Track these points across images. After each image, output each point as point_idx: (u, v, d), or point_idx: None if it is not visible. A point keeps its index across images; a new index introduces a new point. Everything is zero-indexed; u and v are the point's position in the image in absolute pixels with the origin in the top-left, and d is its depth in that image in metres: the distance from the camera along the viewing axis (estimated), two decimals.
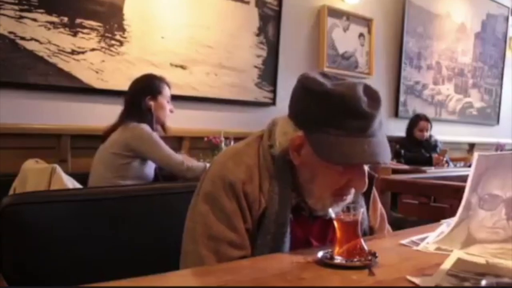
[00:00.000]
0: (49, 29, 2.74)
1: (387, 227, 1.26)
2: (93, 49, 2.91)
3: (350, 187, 1.03)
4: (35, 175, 2.11)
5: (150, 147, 2.38)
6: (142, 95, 2.46)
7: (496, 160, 0.96)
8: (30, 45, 2.69)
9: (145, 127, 2.39)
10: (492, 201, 0.96)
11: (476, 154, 0.91)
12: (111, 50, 2.98)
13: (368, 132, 0.97)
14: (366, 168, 1.03)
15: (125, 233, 1.30)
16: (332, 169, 0.99)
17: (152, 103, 2.47)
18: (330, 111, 0.97)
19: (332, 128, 0.96)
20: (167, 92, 2.55)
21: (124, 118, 2.44)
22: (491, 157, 0.95)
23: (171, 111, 2.57)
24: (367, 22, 4.51)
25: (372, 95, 1.00)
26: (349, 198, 1.05)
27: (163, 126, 2.53)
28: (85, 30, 2.87)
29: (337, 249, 0.90)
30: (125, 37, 3.03)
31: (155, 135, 2.41)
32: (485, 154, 0.93)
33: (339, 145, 0.96)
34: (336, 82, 1.01)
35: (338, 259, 0.88)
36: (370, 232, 1.18)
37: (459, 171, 3.63)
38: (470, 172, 0.93)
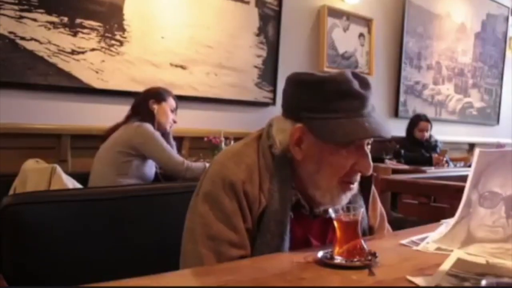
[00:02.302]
0: (49, 29, 2.74)
1: (387, 226, 1.26)
2: (93, 49, 2.91)
3: (356, 171, 1.03)
4: (35, 175, 2.11)
5: (151, 145, 2.40)
6: (147, 98, 2.54)
7: (497, 157, 0.96)
8: (30, 45, 2.69)
9: (148, 126, 2.42)
10: (492, 198, 0.95)
11: (477, 150, 0.91)
12: (111, 50, 2.98)
13: (364, 112, 1.01)
14: (368, 151, 1.04)
15: (125, 233, 1.30)
16: (336, 155, 1.00)
17: (155, 106, 2.52)
18: (325, 97, 1.00)
19: (330, 113, 0.99)
20: (171, 102, 2.61)
21: (128, 118, 2.49)
22: (492, 154, 0.95)
23: (174, 121, 2.60)
24: (367, 22, 4.51)
25: (361, 79, 1.04)
26: (356, 186, 1.06)
27: (165, 134, 2.53)
28: (85, 30, 2.87)
29: (337, 249, 0.90)
30: (125, 37, 3.03)
31: (157, 134, 2.43)
32: (487, 150, 0.93)
33: (340, 127, 0.98)
34: (324, 73, 1.06)
35: (338, 259, 0.88)
36: (370, 231, 1.18)
37: (459, 171, 3.63)
38: (471, 168, 0.93)
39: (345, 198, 1.03)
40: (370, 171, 1.04)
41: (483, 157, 0.91)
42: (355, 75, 1.03)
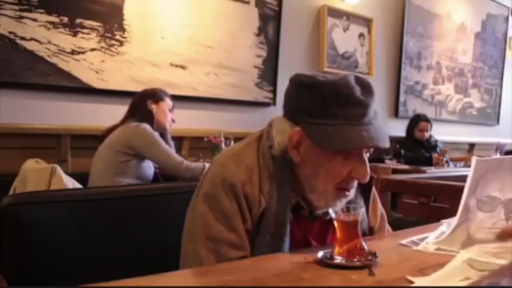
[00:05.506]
0: (49, 29, 2.74)
1: (387, 227, 1.26)
2: (93, 49, 2.91)
3: (353, 178, 1.02)
4: (35, 175, 2.11)
5: (150, 146, 2.40)
6: (145, 99, 2.55)
7: (494, 164, 0.96)
8: (30, 45, 2.69)
9: (146, 126, 2.42)
10: (491, 203, 0.96)
11: (474, 159, 0.91)
12: (111, 50, 2.98)
13: (365, 120, 0.99)
14: (366, 158, 1.03)
15: (125, 233, 1.30)
16: (333, 161, 0.99)
17: (153, 106, 2.53)
18: (324, 102, 0.98)
19: (329, 118, 0.98)
20: (169, 101, 2.62)
21: (126, 119, 2.49)
22: (489, 162, 0.96)
23: (173, 120, 2.61)
24: (367, 22, 4.51)
25: (364, 84, 1.01)
26: (352, 192, 1.05)
27: (163, 135, 2.53)
28: (85, 30, 2.87)
29: (337, 249, 0.90)
30: (125, 37, 3.03)
31: (156, 135, 2.43)
32: (483, 159, 0.93)
33: (337, 133, 0.97)
34: (326, 75, 1.03)
35: (338, 259, 0.88)
36: (370, 232, 1.18)
37: (459, 171, 3.62)
38: (468, 176, 0.93)
39: (340, 204, 1.02)
40: (367, 179, 1.03)
41: (480, 165, 0.91)
42: (358, 80, 1.01)
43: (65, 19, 2.80)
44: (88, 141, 2.78)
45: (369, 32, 4.53)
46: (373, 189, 1.18)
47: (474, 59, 5.77)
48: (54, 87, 2.79)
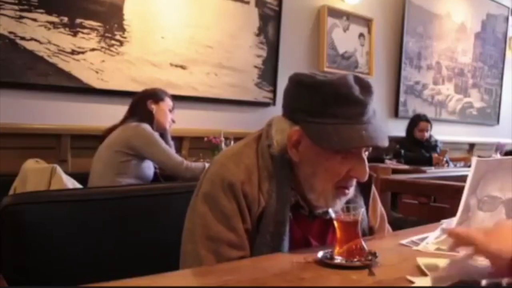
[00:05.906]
0: (49, 29, 2.74)
1: (387, 227, 1.26)
2: (93, 49, 2.91)
3: (352, 177, 1.03)
4: (35, 175, 2.11)
5: (150, 146, 2.40)
6: (145, 99, 2.55)
7: (494, 164, 0.96)
8: (30, 45, 2.69)
9: (146, 126, 2.42)
10: (492, 202, 0.95)
11: (474, 159, 0.91)
12: (111, 50, 2.98)
13: (364, 119, 0.99)
14: (365, 157, 1.03)
15: (125, 233, 1.30)
16: (332, 160, 1.00)
17: (153, 106, 2.53)
18: (323, 101, 0.99)
19: (328, 117, 0.98)
20: (169, 101, 2.62)
21: (126, 119, 2.49)
22: (490, 162, 0.95)
23: (173, 121, 2.61)
24: (367, 22, 4.51)
25: (363, 84, 1.02)
26: (351, 191, 1.05)
27: (163, 135, 2.54)
28: (85, 30, 2.87)
29: (337, 249, 0.90)
30: (125, 37, 3.03)
31: (156, 135, 2.44)
32: (484, 159, 0.93)
33: (337, 133, 0.97)
34: (326, 75, 1.04)
35: (338, 259, 0.88)
36: (370, 232, 1.18)
37: (459, 171, 3.63)
38: (469, 176, 0.93)
39: (339, 203, 1.02)
40: (366, 178, 1.03)
41: (480, 165, 0.91)
42: (357, 80, 1.01)
43: (65, 19, 2.80)
44: (88, 141, 2.78)
45: (369, 32, 4.53)
46: (373, 189, 1.19)
47: (474, 59, 5.77)
48: (54, 87, 2.79)
